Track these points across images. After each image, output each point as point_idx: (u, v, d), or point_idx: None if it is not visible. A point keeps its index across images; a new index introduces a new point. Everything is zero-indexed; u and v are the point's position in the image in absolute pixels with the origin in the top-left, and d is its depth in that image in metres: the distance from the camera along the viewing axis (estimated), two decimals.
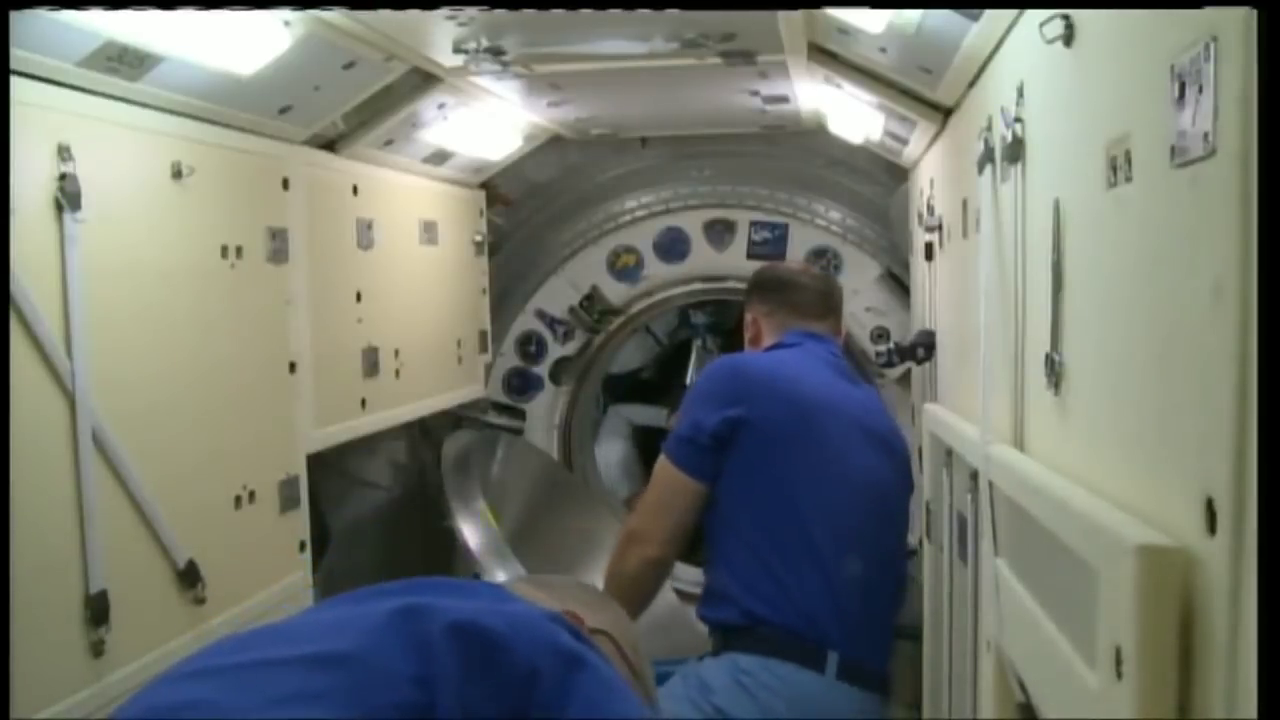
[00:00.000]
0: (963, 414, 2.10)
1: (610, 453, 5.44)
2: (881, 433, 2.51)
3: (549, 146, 3.99)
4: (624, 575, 2.41)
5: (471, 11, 2.23)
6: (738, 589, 2.29)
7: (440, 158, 3.45)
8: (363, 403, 3.07)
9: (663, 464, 2.42)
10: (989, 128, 1.75)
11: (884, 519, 2.44)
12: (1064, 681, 1.13)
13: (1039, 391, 1.42)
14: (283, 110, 2.51)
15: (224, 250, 2.39)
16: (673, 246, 4.17)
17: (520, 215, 4.30)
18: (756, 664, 2.22)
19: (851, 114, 3.17)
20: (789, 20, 2.36)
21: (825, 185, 4.08)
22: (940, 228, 2.61)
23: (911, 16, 1.94)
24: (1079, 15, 1.24)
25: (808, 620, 2.24)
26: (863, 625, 2.29)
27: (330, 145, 2.92)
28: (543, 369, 4.28)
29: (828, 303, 2.72)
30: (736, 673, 2.23)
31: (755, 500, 2.31)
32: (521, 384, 4.29)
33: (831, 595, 2.26)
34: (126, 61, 1.95)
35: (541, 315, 4.25)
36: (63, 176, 1.87)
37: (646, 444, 5.48)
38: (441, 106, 3.00)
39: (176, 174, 2.20)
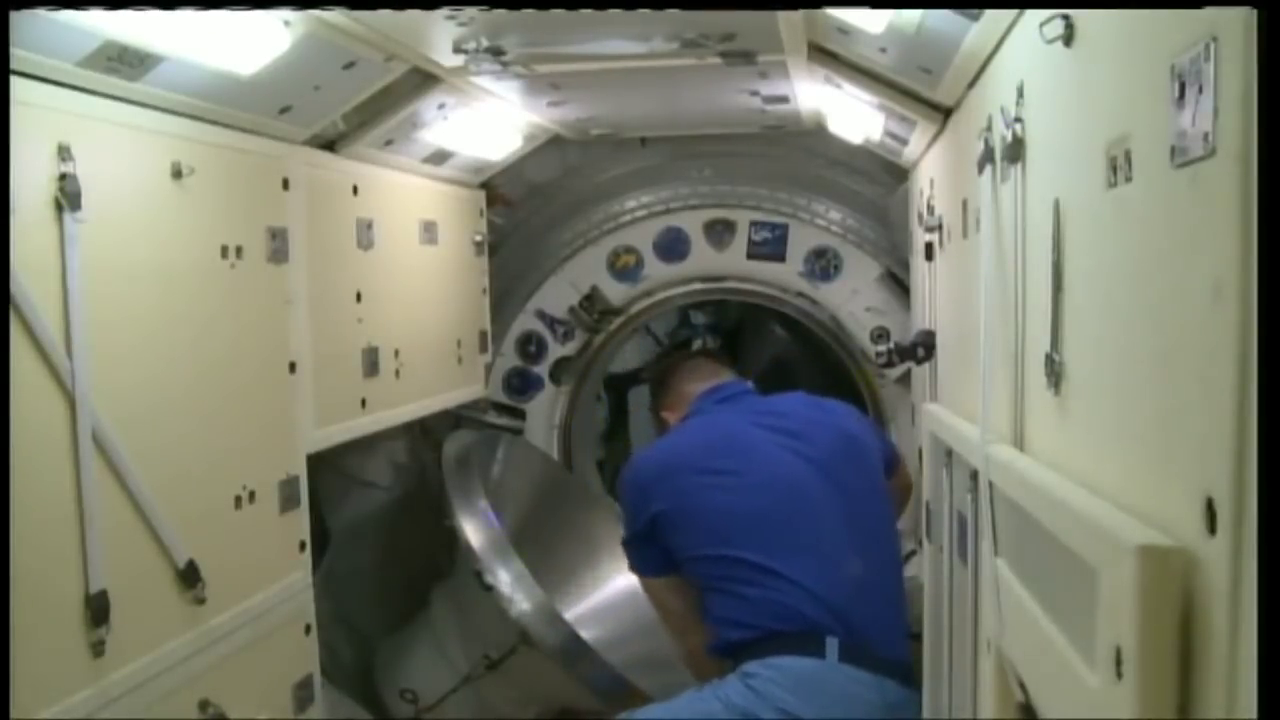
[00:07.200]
0: (963, 414, 2.10)
1: None
2: (794, 431, 2.71)
3: (549, 146, 3.98)
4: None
5: (471, 11, 2.23)
6: (720, 628, 2.54)
7: (440, 158, 3.45)
8: (363, 403, 3.07)
9: (641, 582, 2.84)
10: (989, 128, 1.75)
11: (835, 512, 2.60)
12: (1064, 681, 1.13)
13: (1039, 391, 1.42)
14: (283, 110, 2.51)
15: (224, 250, 2.39)
16: (673, 246, 4.17)
17: (520, 215, 4.29)
18: (757, 665, 2.41)
19: (851, 114, 3.17)
20: (789, 20, 2.36)
21: (825, 185, 4.07)
22: (940, 228, 2.61)
23: (911, 16, 1.94)
24: (1079, 15, 1.24)
25: (792, 619, 2.43)
26: (857, 611, 2.45)
27: (330, 145, 2.92)
28: (543, 369, 4.27)
29: (715, 363, 3.09)
30: (744, 678, 2.43)
31: (699, 555, 2.58)
32: (521, 384, 4.29)
33: (810, 590, 2.44)
34: (126, 61, 1.95)
35: (541, 315, 4.24)
36: (63, 176, 1.86)
37: None
38: (441, 106, 3.00)
39: (176, 174, 2.20)
